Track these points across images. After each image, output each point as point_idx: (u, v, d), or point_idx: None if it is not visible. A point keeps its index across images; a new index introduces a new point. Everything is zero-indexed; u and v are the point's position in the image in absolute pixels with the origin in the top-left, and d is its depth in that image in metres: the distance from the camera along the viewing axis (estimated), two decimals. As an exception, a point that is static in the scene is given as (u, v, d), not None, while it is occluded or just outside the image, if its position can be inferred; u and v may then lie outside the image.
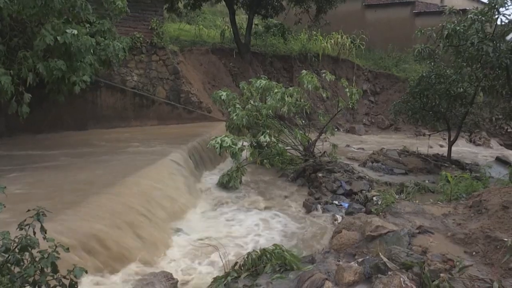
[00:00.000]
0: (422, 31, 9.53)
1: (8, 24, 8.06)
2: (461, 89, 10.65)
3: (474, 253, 4.10)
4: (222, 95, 10.09)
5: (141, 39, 12.93)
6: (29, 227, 2.43)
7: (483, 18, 8.48)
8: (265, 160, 9.18)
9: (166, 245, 5.69)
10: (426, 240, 4.42)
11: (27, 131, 10.47)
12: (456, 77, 10.37)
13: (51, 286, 2.42)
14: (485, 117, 12.62)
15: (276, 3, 18.03)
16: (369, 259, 4.01)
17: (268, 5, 17.99)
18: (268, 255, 4.32)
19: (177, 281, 4.76)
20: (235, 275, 4.21)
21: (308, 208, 7.47)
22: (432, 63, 10.82)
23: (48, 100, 9.75)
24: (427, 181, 9.15)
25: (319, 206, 7.47)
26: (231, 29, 17.89)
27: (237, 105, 9.89)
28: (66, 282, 2.46)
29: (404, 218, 5.22)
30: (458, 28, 8.66)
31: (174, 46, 14.74)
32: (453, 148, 11.89)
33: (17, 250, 2.34)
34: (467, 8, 9.79)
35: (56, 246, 2.47)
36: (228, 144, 8.40)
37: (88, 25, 8.99)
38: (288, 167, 9.59)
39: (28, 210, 2.50)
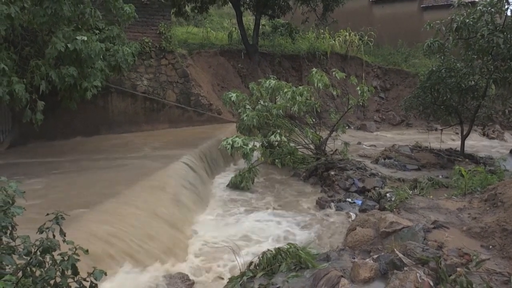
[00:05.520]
0: (431, 24, 9.45)
1: (20, 34, 8.19)
2: (473, 82, 10.53)
3: (490, 246, 4.06)
4: (232, 96, 10.13)
5: (149, 43, 13.03)
6: (48, 230, 2.48)
7: (493, 10, 8.39)
8: (276, 160, 9.19)
9: (181, 247, 5.72)
10: (442, 235, 4.39)
11: (40, 138, 10.62)
12: (467, 70, 10.26)
13: (72, 288, 2.48)
14: (498, 109, 12.45)
15: (283, 3, 18.02)
16: (384, 255, 3.99)
17: (274, 5, 18.00)
18: (283, 254, 4.32)
19: (193, 282, 4.80)
20: (251, 274, 4.22)
21: (322, 206, 7.46)
22: (442, 57, 10.71)
23: (60, 107, 9.88)
24: (440, 176, 9.08)
25: (332, 204, 7.46)
26: (239, 31, 17.93)
27: (247, 106, 9.92)
28: (87, 284, 2.51)
29: (419, 213, 5.19)
30: (467, 20, 8.57)
31: (182, 49, 14.82)
32: (466, 142, 11.76)
33: (38, 252, 2.39)
34: (476, 0, 9.68)
35: (76, 249, 2.52)
36: (239, 145, 8.43)
37: (97, 31, 9.09)
38: (300, 166, 9.58)
39: (47, 214, 2.55)
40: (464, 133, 11.55)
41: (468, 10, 9.06)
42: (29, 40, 8.47)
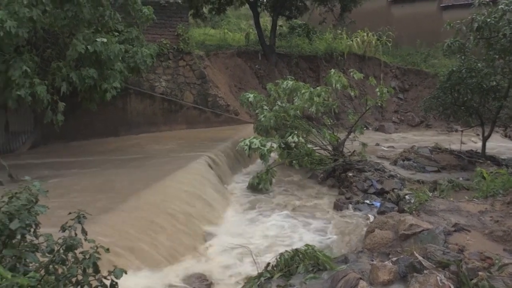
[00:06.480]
0: (451, 24, 9.31)
1: (42, 36, 8.35)
2: (494, 83, 10.34)
3: (514, 250, 3.98)
4: (249, 97, 10.14)
5: (168, 45, 13.16)
6: (71, 228, 2.54)
7: (515, 9, 8.22)
8: (294, 161, 9.17)
9: (199, 247, 5.75)
10: (463, 238, 4.32)
11: (61, 139, 10.81)
12: (488, 70, 10.07)
13: (93, 286, 2.51)
14: (521, 110, 12.19)
15: (300, 4, 18.00)
16: (403, 258, 3.95)
17: (292, 6, 17.98)
18: (301, 255, 4.31)
19: (211, 283, 4.81)
20: (268, 275, 4.22)
21: (339, 208, 7.41)
22: (463, 57, 10.54)
23: (80, 108, 10.05)
24: (461, 178, 8.93)
25: (350, 206, 7.39)
26: (256, 32, 17.96)
27: (265, 107, 9.93)
28: (107, 282, 2.54)
29: (439, 216, 5.12)
30: (488, 19, 8.43)
31: (200, 51, 14.92)
32: (488, 144, 11.54)
33: (61, 250, 2.44)
34: (498, -1, 9.51)
35: (97, 247, 2.56)
36: (257, 146, 8.44)
37: (116, 33, 9.22)
38: (317, 167, 9.53)
39: (70, 213, 2.60)
40: (486, 134, 11.34)
41: (489, 9, 8.91)
42: (51, 43, 8.64)
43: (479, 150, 11.58)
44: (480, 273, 3.42)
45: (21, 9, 6.58)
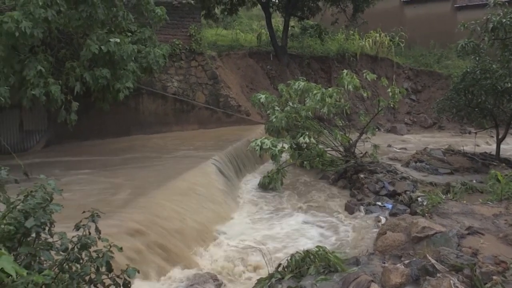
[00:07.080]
0: (466, 25, 9.21)
1: (56, 37, 8.46)
2: (509, 84, 10.17)
3: (529, 254, 3.91)
4: (261, 98, 10.15)
5: (180, 45, 13.22)
6: (85, 227, 2.56)
7: (531, 9, 8.11)
8: (305, 162, 9.15)
9: (210, 247, 5.76)
10: (477, 241, 4.26)
11: (74, 138, 10.91)
12: (503, 72, 9.93)
13: (106, 285, 2.54)
14: (536, 112, 11.98)
15: (312, 4, 17.95)
16: (416, 260, 3.91)
17: (304, 7, 17.95)
18: (312, 257, 4.29)
19: (222, 283, 4.82)
20: (279, 276, 4.21)
21: (351, 209, 7.37)
22: (477, 58, 10.41)
23: (93, 108, 10.14)
24: (474, 181, 8.81)
25: (361, 208, 7.35)
26: (268, 32, 17.96)
27: (276, 108, 9.92)
28: (120, 281, 2.57)
29: (452, 218, 5.06)
30: (504, 20, 8.32)
31: (212, 51, 14.96)
32: (502, 146, 11.38)
33: (76, 249, 2.47)
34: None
35: (110, 246, 2.58)
36: (268, 146, 8.44)
37: (129, 34, 9.29)
38: (328, 168, 9.50)
39: (83, 212, 2.63)
40: (500, 136, 11.19)
41: (505, 10, 8.79)
42: (65, 43, 8.74)
43: (493, 153, 11.43)
44: (494, 277, 3.38)
45: (37, 10, 6.67)
